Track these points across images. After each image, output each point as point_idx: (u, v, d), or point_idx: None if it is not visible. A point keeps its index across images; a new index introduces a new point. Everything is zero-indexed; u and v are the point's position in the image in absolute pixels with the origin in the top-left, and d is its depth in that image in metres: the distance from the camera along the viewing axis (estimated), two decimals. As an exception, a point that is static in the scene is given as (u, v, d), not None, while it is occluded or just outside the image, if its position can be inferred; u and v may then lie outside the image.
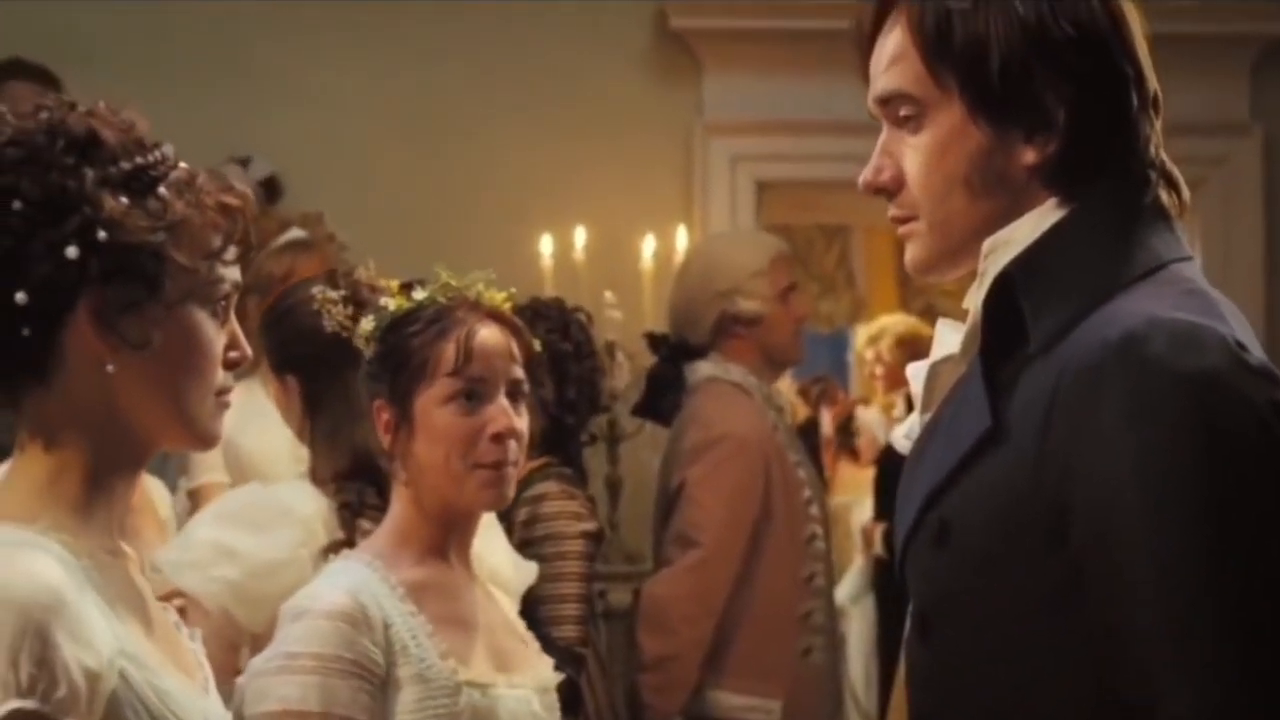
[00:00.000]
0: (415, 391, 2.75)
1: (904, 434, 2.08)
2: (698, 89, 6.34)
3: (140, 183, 1.85)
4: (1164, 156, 1.97)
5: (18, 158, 1.83)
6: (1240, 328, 1.86)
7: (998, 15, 1.92)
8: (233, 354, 1.94)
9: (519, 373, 2.79)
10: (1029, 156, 1.93)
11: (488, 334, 2.75)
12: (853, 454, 8.52)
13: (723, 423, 4.57)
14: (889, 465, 6.65)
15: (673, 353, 4.78)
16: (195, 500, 4.20)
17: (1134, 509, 1.77)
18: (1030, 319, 1.89)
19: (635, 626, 4.62)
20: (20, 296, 1.81)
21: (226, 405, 1.94)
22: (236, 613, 3.02)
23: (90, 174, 1.83)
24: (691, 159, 6.33)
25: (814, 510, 4.69)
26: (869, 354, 7.96)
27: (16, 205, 1.81)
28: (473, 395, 2.74)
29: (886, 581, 6.76)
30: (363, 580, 2.67)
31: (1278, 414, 1.78)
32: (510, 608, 2.96)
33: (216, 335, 1.91)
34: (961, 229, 1.96)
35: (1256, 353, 1.83)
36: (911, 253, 2.03)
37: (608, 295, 5.67)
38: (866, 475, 8.11)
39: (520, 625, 2.93)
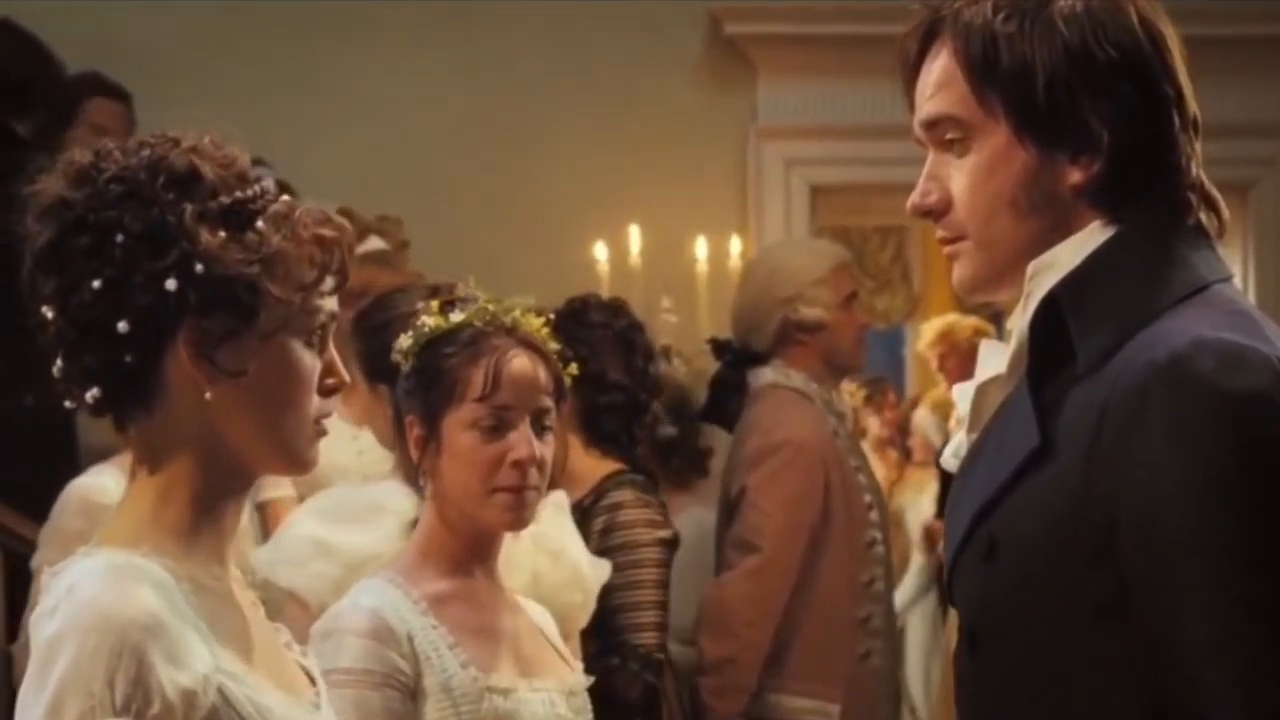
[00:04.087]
0: (444, 412, 2.81)
1: (952, 453, 2.11)
2: (752, 94, 6.37)
3: (238, 217, 1.90)
4: (1204, 177, 2.00)
5: (120, 193, 1.89)
6: None
7: (1042, 39, 1.95)
8: (330, 381, 1.98)
9: (546, 402, 2.84)
10: (1074, 176, 1.96)
11: (518, 363, 2.80)
12: (907, 454, 8.52)
13: (783, 429, 4.59)
14: (951, 465, 6.61)
15: (736, 359, 4.80)
16: (263, 514, 4.25)
17: (1181, 524, 1.80)
18: (1077, 340, 1.92)
19: (697, 630, 4.65)
20: (122, 325, 1.87)
21: (323, 432, 1.99)
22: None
23: (189, 209, 1.88)
24: (746, 163, 6.36)
25: (874, 515, 4.70)
26: (939, 350, 7.78)
27: (119, 239, 1.87)
28: (498, 422, 2.79)
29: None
30: (385, 597, 2.75)
31: None
32: (546, 616, 3.00)
33: (313, 363, 1.95)
34: (1008, 249, 2.00)
35: None
36: (959, 273, 2.06)
37: (664, 302, 5.71)
38: (922, 476, 8.12)
39: (553, 632, 2.97)
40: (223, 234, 1.89)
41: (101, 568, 1.85)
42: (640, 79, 6.26)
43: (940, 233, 2.05)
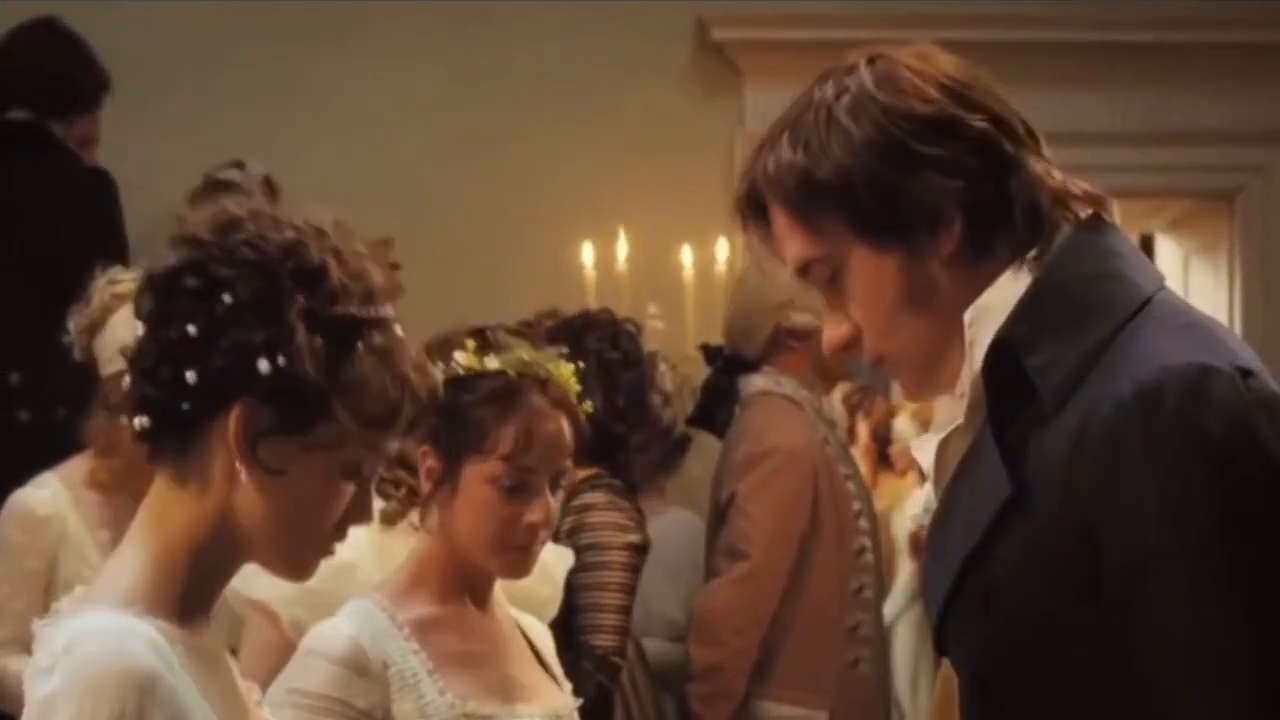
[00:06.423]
0: (466, 458, 2.78)
1: (923, 508, 2.10)
2: (739, 100, 6.35)
3: (341, 330, 1.91)
4: (1066, 179, 1.98)
5: (247, 259, 1.90)
6: (1239, 348, 1.89)
7: (840, 148, 1.94)
8: (354, 514, 1.98)
9: (567, 464, 2.84)
10: (944, 250, 1.95)
11: (549, 426, 2.78)
12: (888, 462, 8.54)
13: (773, 436, 4.59)
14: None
15: (727, 365, 4.81)
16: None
17: (1157, 569, 1.81)
18: (1036, 379, 1.91)
19: (688, 636, 4.65)
20: (190, 375, 1.88)
21: (331, 552, 2.00)
22: (307, 619, 3.08)
23: (300, 302, 1.89)
24: (733, 170, 6.31)
25: (863, 523, 4.70)
26: None
27: (225, 297, 1.89)
28: (520, 483, 2.78)
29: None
30: (368, 621, 2.74)
31: None
32: (545, 635, 3.01)
33: (346, 492, 1.96)
34: (924, 347, 1.99)
35: (1259, 374, 1.86)
36: (904, 387, 2.08)
37: (650, 308, 5.70)
38: (903, 483, 8.13)
39: (549, 651, 2.98)
40: (319, 340, 1.89)
41: (99, 627, 1.85)
42: (627, 85, 6.25)
43: (865, 359, 2.04)
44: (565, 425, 2.81)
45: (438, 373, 2.74)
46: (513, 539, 2.79)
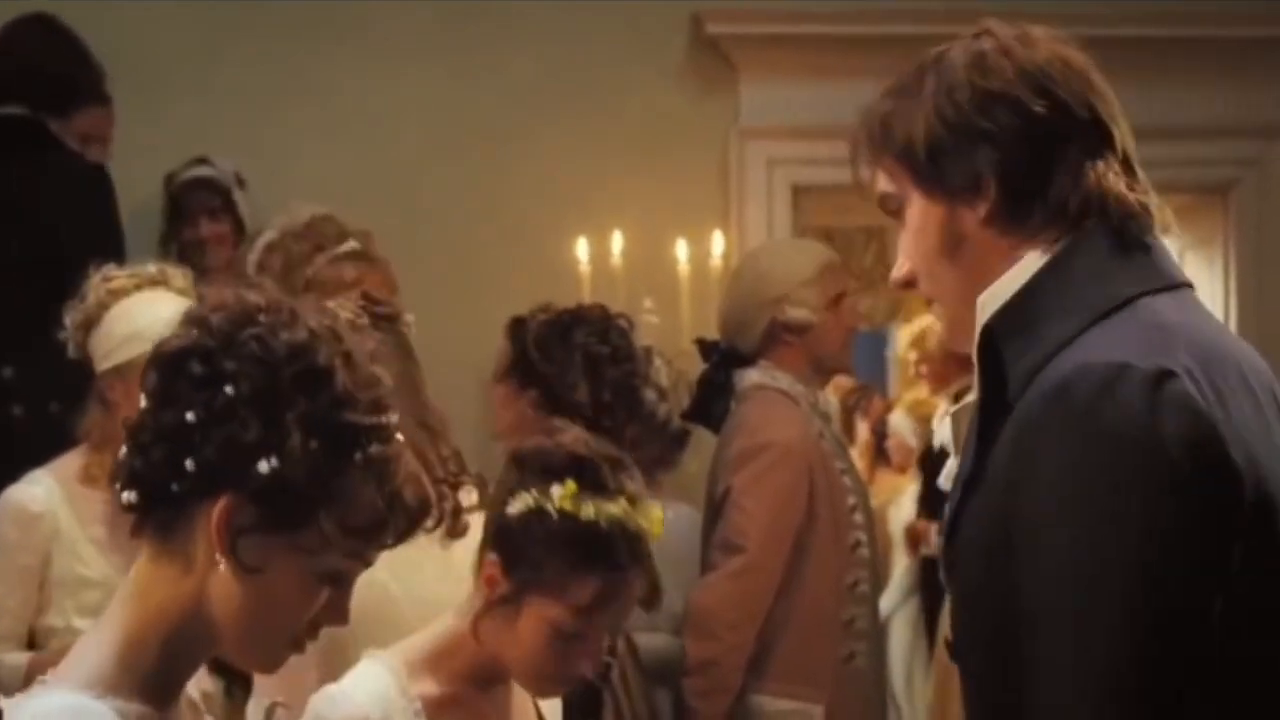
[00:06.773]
0: (533, 592, 2.70)
1: (945, 476, 2.21)
2: (734, 94, 6.34)
3: (338, 438, 1.89)
4: (1124, 188, 2.10)
5: (252, 354, 1.89)
6: (1194, 351, 1.96)
7: (917, 108, 2.14)
8: (328, 615, 1.96)
9: (630, 614, 2.82)
10: (980, 212, 2.10)
11: (628, 592, 2.72)
12: (885, 457, 8.57)
13: (768, 430, 4.59)
14: (933, 466, 6.67)
15: (722, 359, 4.81)
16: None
17: (1050, 558, 1.91)
18: (1009, 368, 2.03)
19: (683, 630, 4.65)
20: (180, 460, 1.88)
21: (300, 650, 1.98)
22: None
23: (301, 405, 1.88)
24: (728, 163, 6.34)
25: (858, 517, 4.71)
26: (913, 355, 7.91)
27: (227, 389, 1.87)
28: (580, 634, 2.70)
29: (932, 580, 6.79)
30: (381, 690, 2.68)
31: (1192, 454, 1.89)
32: (555, 714, 2.98)
33: (321, 595, 1.94)
34: (955, 298, 2.15)
35: (1186, 377, 1.92)
36: (945, 336, 2.27)
37: (646, 303, 5.70)
38: (900, 479, 8.15)
39: None
40: (314, 445, 1.88)
41: (56, 708, 1.85)
42: (622, 80, 6.24)
43: (923, 296, 2.24)
44: (640, 583, 2.73)
45: (528, 500, 2.68)
46: (555, 675, 2.74)
